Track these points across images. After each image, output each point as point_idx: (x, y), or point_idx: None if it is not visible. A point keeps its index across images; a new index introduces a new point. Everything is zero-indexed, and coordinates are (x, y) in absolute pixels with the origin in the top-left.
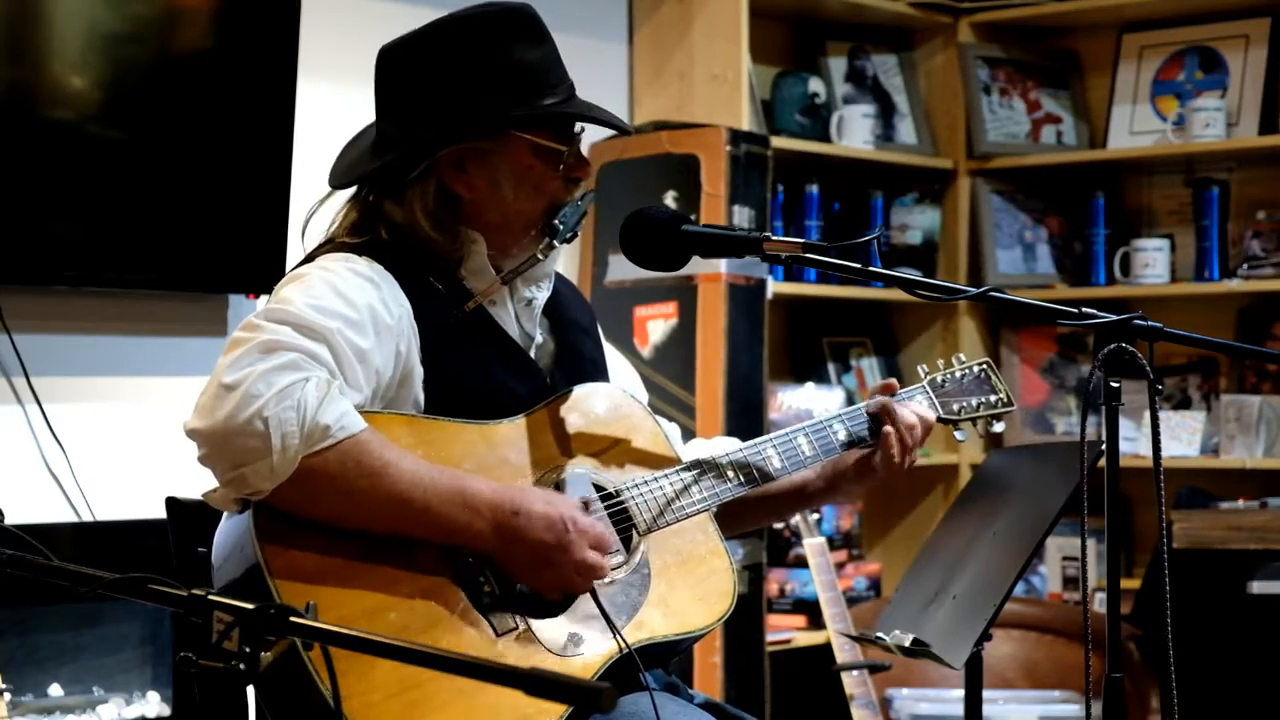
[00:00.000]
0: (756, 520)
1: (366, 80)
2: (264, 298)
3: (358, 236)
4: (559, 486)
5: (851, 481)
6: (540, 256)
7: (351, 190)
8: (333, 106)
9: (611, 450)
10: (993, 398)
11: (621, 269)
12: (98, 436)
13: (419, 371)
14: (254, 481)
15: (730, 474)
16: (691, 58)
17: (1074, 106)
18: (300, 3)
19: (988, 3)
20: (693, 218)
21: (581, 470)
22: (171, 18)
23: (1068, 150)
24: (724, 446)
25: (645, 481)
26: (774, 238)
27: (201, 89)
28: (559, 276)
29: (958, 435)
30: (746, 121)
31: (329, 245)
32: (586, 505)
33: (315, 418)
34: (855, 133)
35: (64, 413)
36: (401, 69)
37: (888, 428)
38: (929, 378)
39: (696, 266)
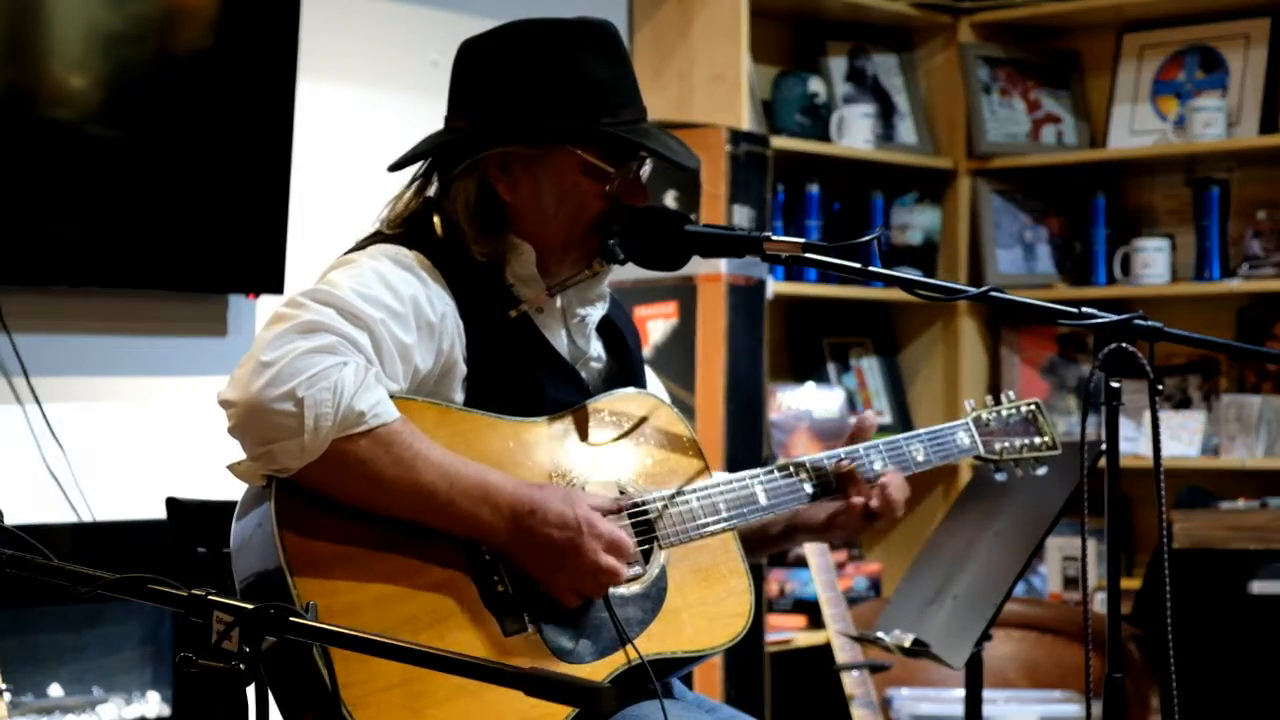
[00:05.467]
0: (754, 554)
1: (366, 80)
2: (264, 297)
3: (409, 228)
4: (584, 491)
5: (809, 534)
6: (590, 273)
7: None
8: (333, 106)
9: (642, 459)
10: (1037, 440)
11: (621, 269)
12: (98, 436)
13: (462, 369)
14: (282, 459)
15: (761, 495)
16: (691, 58)
17: (1074, 106)
18: (300, 3)
19: (988, 3)
20: (693, 218)
21: (609, 477)
22: (171, 18)
23: (1068, 150)
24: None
25: (672, 494)
26: (774, 238)
27: (201, 89)
28: (612, 297)
29: (998, 476)
30: (746, 121)
31: (379, 236)
32: (618, 510)
33: (351, 403)
34: (855, 133)
35: (64, 413)
36: (470, 64)
37: (856, 498)
38: (974, 414)
39: (696, 266)
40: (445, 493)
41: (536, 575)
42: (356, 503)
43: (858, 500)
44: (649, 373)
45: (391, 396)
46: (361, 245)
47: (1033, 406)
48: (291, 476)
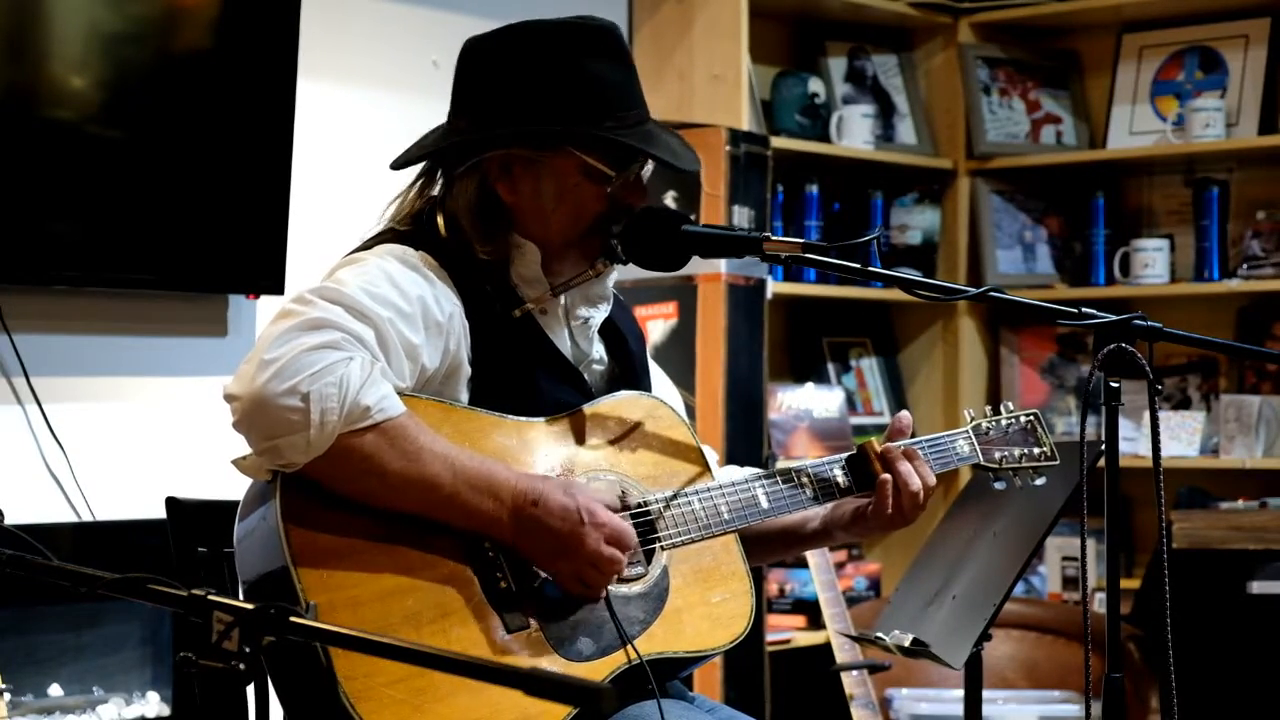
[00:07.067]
0: (758, 559)
1: (366, 80)
2: (264, 298)
3: (415, 227)
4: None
5: (844, 530)
6: (594, 273)
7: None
8: (333, 106)
9: (645, 461)
10: (1036, 450)
11: (621, 269)
12: (98, 436)
13: (467, 370)
14: (288, 454)
15: (763, 499)
16: (691, 58)
17: (1074, 106)
18: (300, 3)
19: (988, 3)
20: (693, 218)
21: (611, 478)
22: (171, 18)
23: (1068, 150)
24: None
25: (674, 496)
26: (774, 238)
27: (201, 89)
28: (615, 297)
29: (996, 485)
30: (746, 121)
31: (385, 235)
32: (622, 508)
33: (357, 397)
34: (855, 133)
35: (64, 413)
36: (474, 64)
37: (884, 476)
38: (974, 423)
39: (696, 266)
40: (450, 485)
41: (539, 564)
42: (362, 496)
43: (885, 478)
44: (658, 374)
45: (397, 393)
46: (368, 244)
47: (1032, 417)
48: (297, 471)
